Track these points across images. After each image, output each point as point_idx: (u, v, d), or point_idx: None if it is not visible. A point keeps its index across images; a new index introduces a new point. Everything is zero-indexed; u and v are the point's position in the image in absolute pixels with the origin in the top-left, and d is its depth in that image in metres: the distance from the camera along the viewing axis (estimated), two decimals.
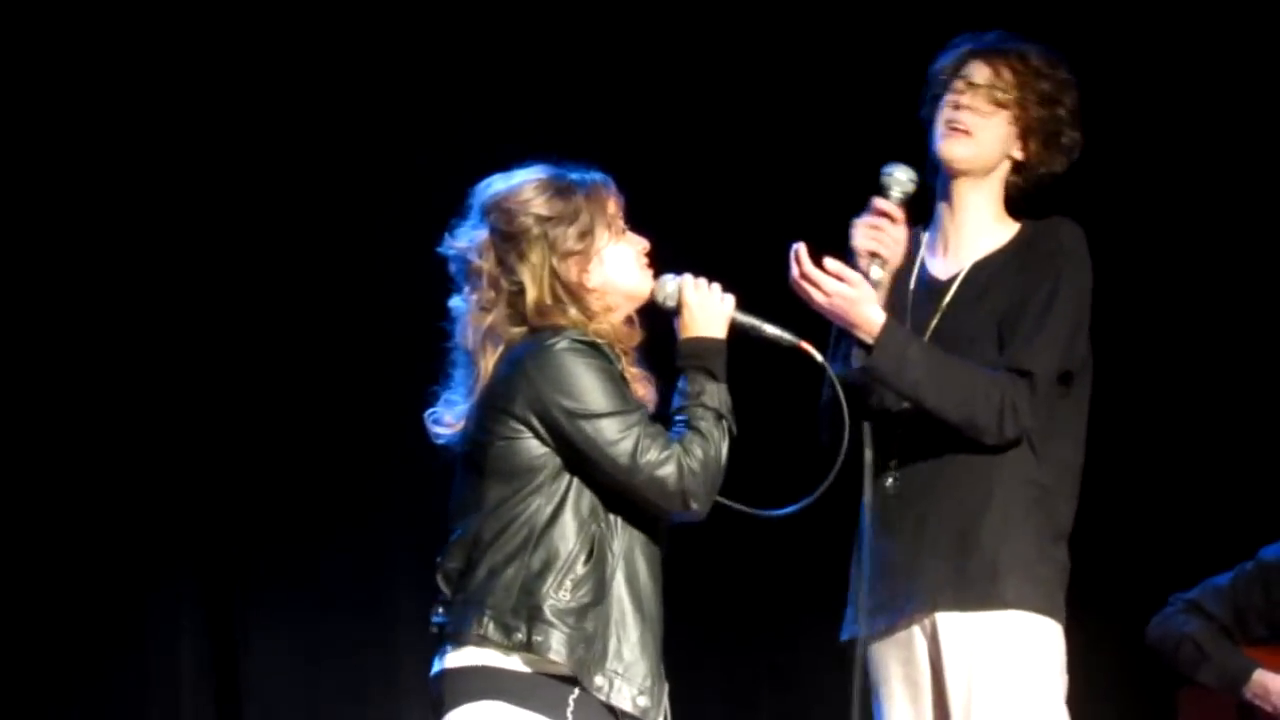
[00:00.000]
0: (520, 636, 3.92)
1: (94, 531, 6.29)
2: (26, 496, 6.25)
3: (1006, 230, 4.47)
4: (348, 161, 6.46)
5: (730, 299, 4.15)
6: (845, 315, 4.28)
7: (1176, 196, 6.71)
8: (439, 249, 4.10)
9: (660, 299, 4.13)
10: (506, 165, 4.15)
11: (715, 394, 4.05)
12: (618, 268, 4.09)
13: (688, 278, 4.14)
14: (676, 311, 4.13)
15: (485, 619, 3.94)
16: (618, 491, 4.01)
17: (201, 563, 6.43)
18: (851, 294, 4.26)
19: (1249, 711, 5.51)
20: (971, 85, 4.41)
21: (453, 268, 4.09)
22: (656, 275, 4.24)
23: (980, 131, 4.40)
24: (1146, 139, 6.61)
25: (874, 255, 4.34)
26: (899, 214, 4.36)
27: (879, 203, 4.33)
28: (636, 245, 4.13)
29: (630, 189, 4.18)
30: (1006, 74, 4.40)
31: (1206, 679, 5.51)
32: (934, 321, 4.45)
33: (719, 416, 4.03)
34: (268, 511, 6.36)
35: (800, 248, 4.27)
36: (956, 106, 4.41)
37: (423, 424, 4.21)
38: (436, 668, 4.03)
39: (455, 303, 4.09)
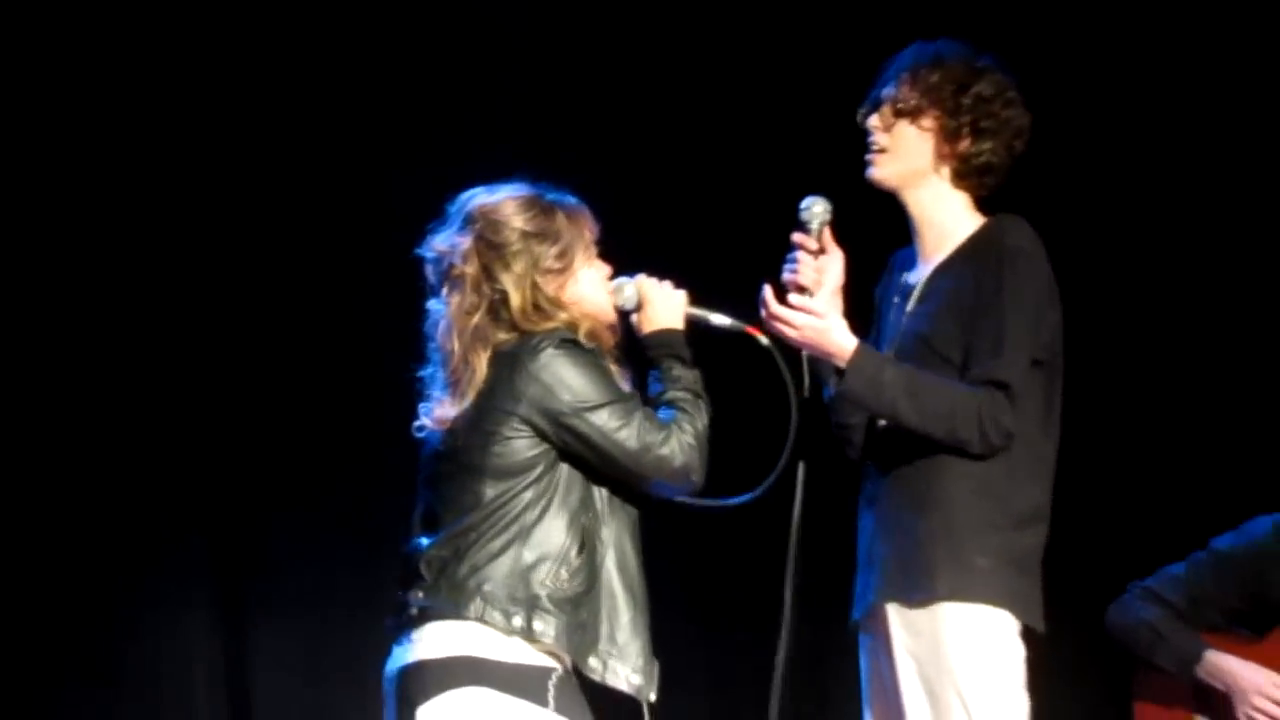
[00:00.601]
0: (520, 622, 4.10)
1: (107, 519, 6.38)
2: (41, 488, 6.33)
3: (968, 227, 4.56)
4: (356, 150, 6.52)
5: (683, 293, 4.40)
6: (818, 345, 4.43)
7: (1146, 196, 6.68)
8: (417, 250, 4.30)
9: (620, 301, 4.36)
10: (482, 178, 4.36)
11: (691, 377, 4.32)
12: (589, 288, 4.32)
13: (642, 277, 4.39)
14: (638, 309, 4.38)
15: (482, 604, 4.11)
16: (621, 477, 4.22)
17: (211, 548, 6.50)
18: (819, 324, 4.40)
19: (1203, 690, 5.56)
20: (875, 106, 4.55)
21: (430, 270, 4.31)
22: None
23: (892, 145, 4.54)
24: (1119, 136, 6.63)
25: (799, 288, 4.47)
26: (815, 244, 4.50)
27: (796, 237, 4.49)
28: (603, 271, 4.36)
29: (600, 198, 4.37)
30: (905, 86, 4.51)
31: (1163, 661, 5.55)
32: (901, 326, 4.59)
33: (697, 396, 4.30)
34: (275, 498, 6.44)
35: (767, 290, 4.44)
36: (868, 132, 4.57)
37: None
38: (407, 657, 4.17)
39: (433, 304, 4.30)
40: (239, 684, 6.47)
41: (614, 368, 4.31)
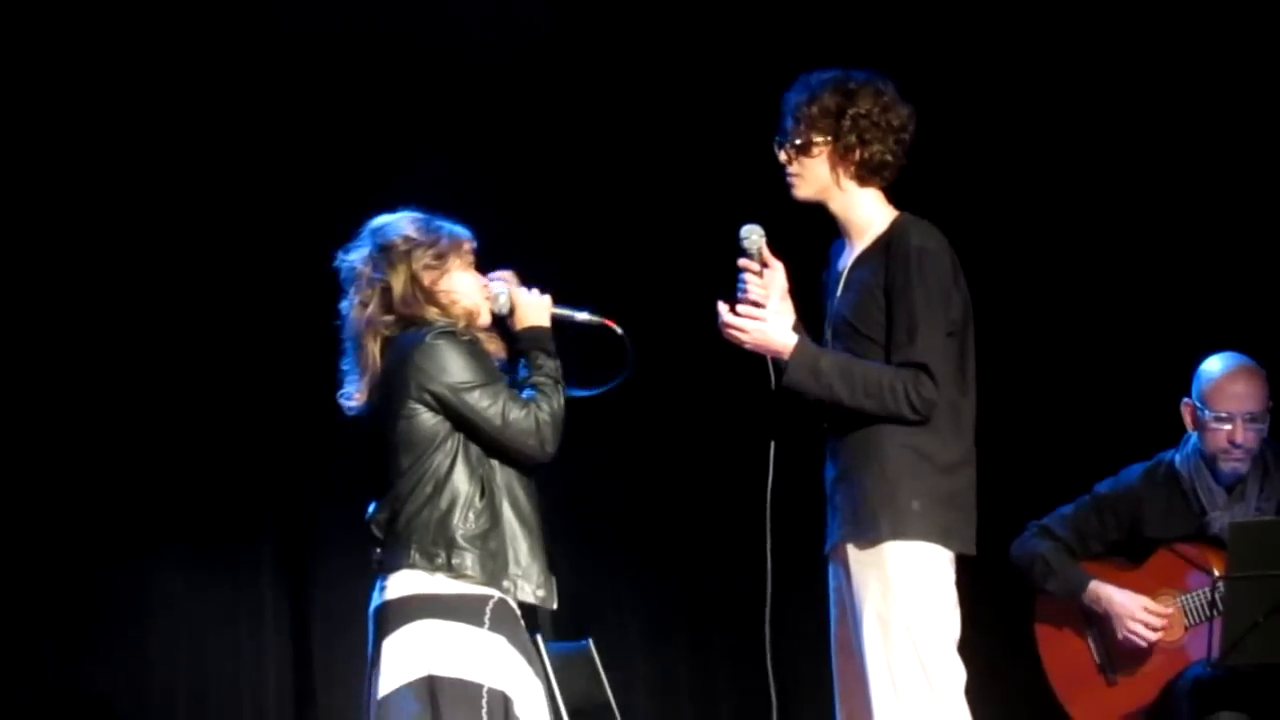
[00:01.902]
0: (441, 560, 4.63)
1: (194, 492, 6.73)
2: (137, 465, 6.67)
3: (882, 223, 4.90)
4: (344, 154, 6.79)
5: (548, 297, 4.85)
6: (766, 345, 4.82)
7: (1045, 195, 7.09)
8: (334, 263, 4.78)
9: (496, 308, 4.82)
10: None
11: (551, 365, 4.79)
12: (462, 286, 4.81)
13: (513, 286, 4.86)
14: (510, 313, 4.84)
15: (412, 551, 4.65)
16: (487, 444, 4.70)
17: (275, 518, 6.93)
18: (763, 327, 4.81)
19: (1088, 611, 6.06)
20: (780, 145, 4.93)
21: (343, 276, 4.81)
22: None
23: (800, 172, 4.91)
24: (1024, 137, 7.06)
25: (753, 304, 4.88)
26: (757, 265, 4.90)
27: (741, 262, 4.90)
28: (480, 280, 4.84)
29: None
30: (795, 124, 4.89)
31: (1054, 589, 6.06)
32: (834, 309, 4.94)
33: (556, 382, 4.76)
34: (327, 475, 6.73)
35: (721, 306, 4.84)
36: (781, 163, 4.95)
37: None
38: (376, 600, 4.69)
39: (343, 305, 4.81)
40: (301, 629, 6.85)
41: (484, 335, 4.78)
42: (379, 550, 4.73)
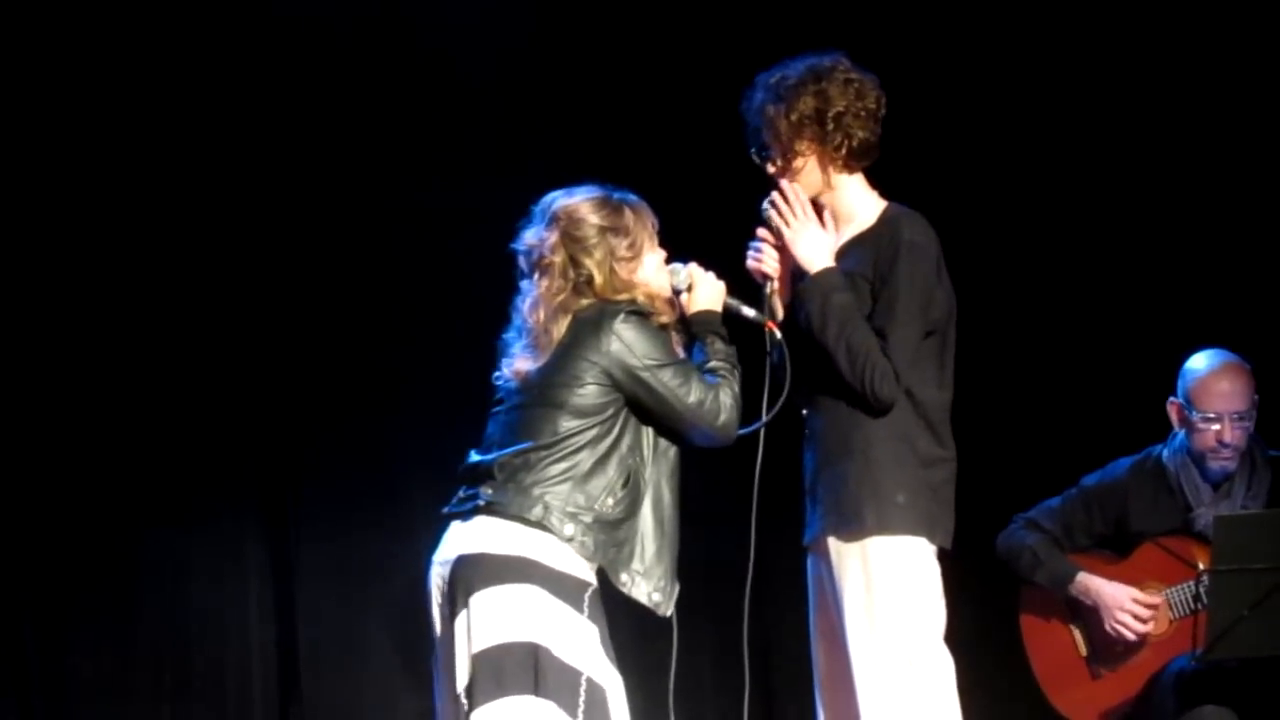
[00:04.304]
0: (569, 532, 4.59)
1: (177, 444, 6.82)
2: (119, 415, 6.75)
3: (870, 212, 4.92)
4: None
5: (723, 284, 4.90)
6: (802, 245, 4.86)
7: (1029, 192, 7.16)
8: (511, 245, 4.83)
9: (675, 282, 4.86)
10: (561, 182, 4.87)
11: (728, 350, 4.83)
12: (653, 270, 4.84)
13: (694, 265, 4.90)
14: (688, 290, 4.87)
15: (543, 510, 4.60)
16: (675, 425, 4.72)
17: (260, 469, 7.00)
18: (810, 229, 4.86)
19: (1074, 604, 6.11)
20: (765, 159, 4.95)
21: (522, 261, 4.82)
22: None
23: (798, 179, 4.93)
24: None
25: (764, 276, 4.98)
26: (774, 239, 4.94)
27: (760, 232, 4.96)
28: (661, 255, 4.88)
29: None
30: (774, 137, 4.90)
31: (1041, 581, 6.10)
32: None
33: (734, 366, 4.80)
34: (313, 429, 6.92)
35: (785, 184, 4.89)
36: (771, 175, 4.97)
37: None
38: (473, 547, 4.61)
39: (525, 285, 4.81)
40: (285, 584, 6.91)
41: (673, 336, 4.84)
42: (490, 491, 4.66)
